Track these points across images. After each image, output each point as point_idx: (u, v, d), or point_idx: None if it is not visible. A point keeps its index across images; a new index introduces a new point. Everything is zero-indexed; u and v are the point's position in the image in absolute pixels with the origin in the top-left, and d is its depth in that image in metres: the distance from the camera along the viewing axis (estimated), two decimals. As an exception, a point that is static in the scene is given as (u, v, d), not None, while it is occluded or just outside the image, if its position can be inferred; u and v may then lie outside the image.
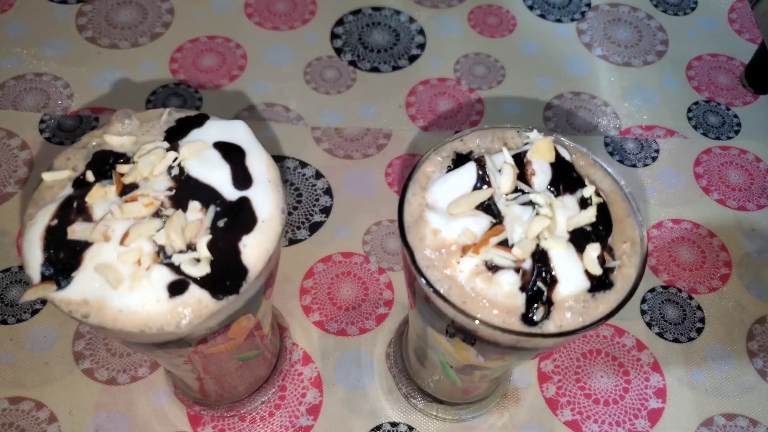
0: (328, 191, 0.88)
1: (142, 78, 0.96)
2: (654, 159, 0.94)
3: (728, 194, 0.91)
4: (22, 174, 0.87)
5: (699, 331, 0.80)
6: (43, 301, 0.78)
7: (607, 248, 0.47)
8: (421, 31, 1.04)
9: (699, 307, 0.82)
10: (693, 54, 1.05)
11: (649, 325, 0.80)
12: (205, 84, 0.96)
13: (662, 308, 0.82)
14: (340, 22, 1.04)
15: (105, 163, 0.47)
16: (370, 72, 0.99)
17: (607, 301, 0.45)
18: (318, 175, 0.89)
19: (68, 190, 0.45)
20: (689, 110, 0.99)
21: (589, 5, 1.09)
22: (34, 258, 0.42)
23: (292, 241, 0.83)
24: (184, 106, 0.94)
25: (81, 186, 0.45)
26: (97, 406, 0.71)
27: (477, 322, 0.43)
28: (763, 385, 0.77)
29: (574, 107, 0.98)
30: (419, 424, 0.72)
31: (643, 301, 0.82)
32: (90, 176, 0.46)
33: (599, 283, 0.45)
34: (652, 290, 0.83)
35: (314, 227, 0.85)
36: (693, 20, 1.09)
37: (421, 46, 1.02)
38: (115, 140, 0.47)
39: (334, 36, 1.02)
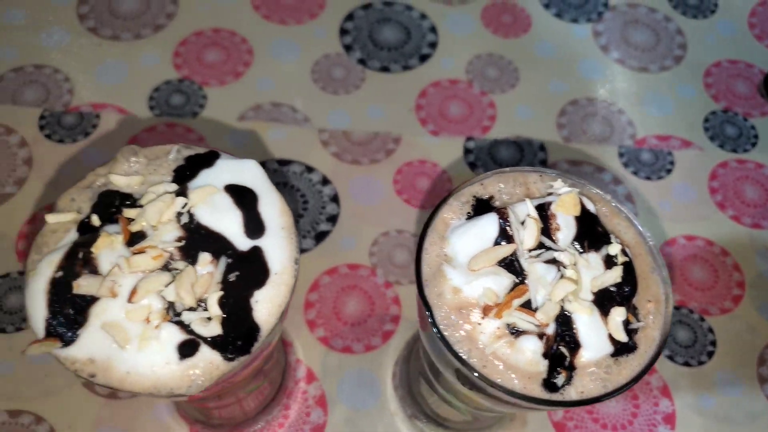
0: (335, 198, 0.86)
1: (144, 72, 0.93)
2: (669, 171, 0.92)
3: (743, 210, 0.89)
4: (22, 174, 0.84)
5: (710, 354, 0.79)
6: (43, 309, 0.76)
7: (631, 308, 0.45)
8: (433, 29, 1.00)
9: (710, 330, 0.81)
10: (711, 60, 1.02)
11: (657, 345, 0.79)
12: (210, 81, 0.93)
13: (673, 330, 0.81)
14: (350, 17, 1.00)
15: (110, 206, 0.44)
16: (379, 71, 0.96)
17: (630, 365, 0.44)
18: (325, 181, 0.87)
19: (72, 235, 0.43)
20: (706, 120, 0.96)
21: (606, 5, 1.05)
22: (38, 312, 0.41)
23: (298, 252, 0.81)
24: (188, 104, 0.91)
25: (86, 230, 0.43)
26: (97, 422, 0.71)
27: (497, 389, 0.42)
28: (770, 411, 0.77)
29: (588, 114, 0.95)
30: (424, 445, 0.72)
31: (652, 320, 0.81)
32: (95, 220, 0.44)
33: (622, 347, 0.44)
34: (661, 309, 0.82)
35: (320, 236, 0.83)
36: (713, 24, 1.05)
37: (433, 45, 0.99)
38: (121, 180, 0.45)
39: (343, 32, 0.99)
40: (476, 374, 0.42)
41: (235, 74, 0.94)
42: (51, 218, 0.44)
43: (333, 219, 0.84)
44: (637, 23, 1.04)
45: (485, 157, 0.90)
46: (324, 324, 0.78)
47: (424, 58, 0.97)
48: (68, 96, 0.91)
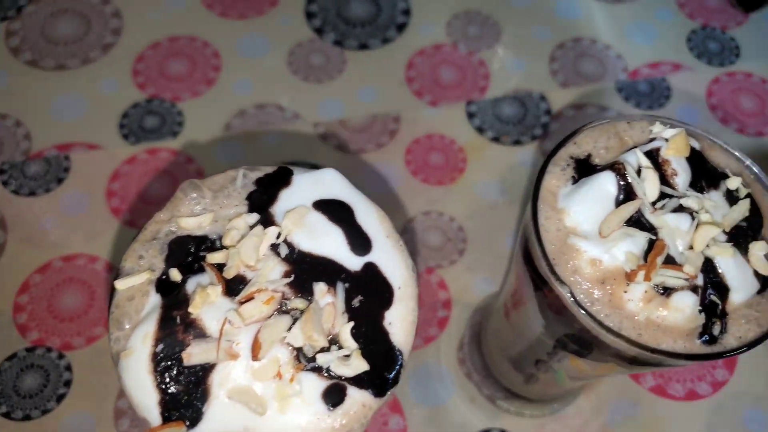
0: (350, 193, 0.80)
1: (106, 99, 0.83)
2: (668, 98, 0.91)
3: (745, 122, 0.90)
4: (-3, 239, 0.74)
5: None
6: (67, 383, 0.68)
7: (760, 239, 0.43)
8: (402, -4, 0.95)
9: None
10: (679, -22, 1.01)
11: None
12: (181, 95, 0.84)
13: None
14: (312, -2, 0.93)
15: (187, 254, 0.38)
16: (359, 50, 0.90)
17: (776, 297, 0.42)
18: (334, 178, 0.81)
19: (155, 298, 0.37)
20: (689, 40, 0.96)
21: (566, -60, 1.03)
22: (147, 396, 0.34)
23: (329, 258, 0.76)
24: (164, 124, 0.82)
25: (168, 289, 0.37)
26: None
27: (660, 354, 0.39)
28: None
29: (577, 55, 0.93)
30: (511, 425, 0.69)
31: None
32: (175, 274, 0.37)
33: (764, 280, 0.42)
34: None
35: (347, 237, 0.77)
36: (671, -58, 1.04)
37: (406, 12, 0.94)
38: (191, 222, 0.38)
39: (309, 15, 0.92)
40: (633, 344, 0.39)
41: (207, 82, 0.86)
42: (121, 284, 0.37)
43: (354, 215, 0.78)
44: (599, -45, 1.02)
45: (490, 119, 0.86)
46: (376, 326, 0.73)
47: (401, 28, 0.92)
48: (26, 142, 0.80)
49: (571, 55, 0.92)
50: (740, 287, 0.40)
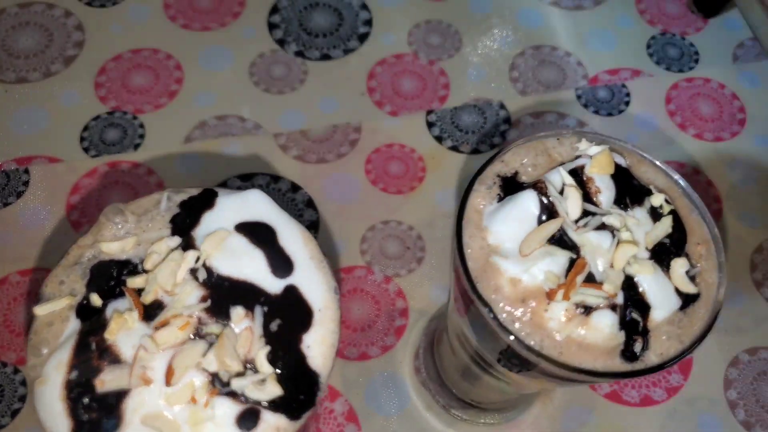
0: (310, 203, 0.80)
1: (67, 112, 0.83)
2: (627, 104, 0.92)
3: (703, 127, 0.91)
4: (-46, 255, 0.74)
5: (706, 273, 0.81)
6: (22, 398, 0.68)
7: (683, 256, 0.44)
8: (365, 6, 0.95)
9: (701, 249, 0.82)
10: (640, -15, 1.02)
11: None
12: (143, 107, 0.84)
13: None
14: (274, 9, 0.93)
15: (109, 278, 0.38)
16: (321, 60, 0.90)
17: (698, 313, 0.42)
18: (295, 188, 0.81)
19: (74, 324, 0.37)
20: (648, 46, 0.97)
21: (529, -52, 1.03)
22: (60, 425, 0.34)
23: (287, 269, 0.76)
24: (125, 137, 0.82)
25: (88, 314, 0.37)
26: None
27: (579, 373, 0.39)
28: (775, 313, 0.79)
29: (538, 63, 0.93)
30: (467, 434, 0.70)
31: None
32: (96, 299, 0.37)
33: (688, 297, 0.42)
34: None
35: (306, 248, 0.78)
36: (633, -51, 1.05)
37: (368, 23, 0.94)
38: (113, 247, 0.39)
39: (272, 26, 0.92)
40: (554, 363, 0.39)
41: (168, 95, 0.86)
42: (41, 310, 0.37)
43: (314, 226, 0.79)
44: (562, -38, 1.03)
45: (450, 128, 0.87)
46: (333, 337, 0.73)
47: (363, 38, 0.93)
48: (-16, 156, 0.80)
49: (531, 63, 0.93)
50: (661, 304, 0.41)
